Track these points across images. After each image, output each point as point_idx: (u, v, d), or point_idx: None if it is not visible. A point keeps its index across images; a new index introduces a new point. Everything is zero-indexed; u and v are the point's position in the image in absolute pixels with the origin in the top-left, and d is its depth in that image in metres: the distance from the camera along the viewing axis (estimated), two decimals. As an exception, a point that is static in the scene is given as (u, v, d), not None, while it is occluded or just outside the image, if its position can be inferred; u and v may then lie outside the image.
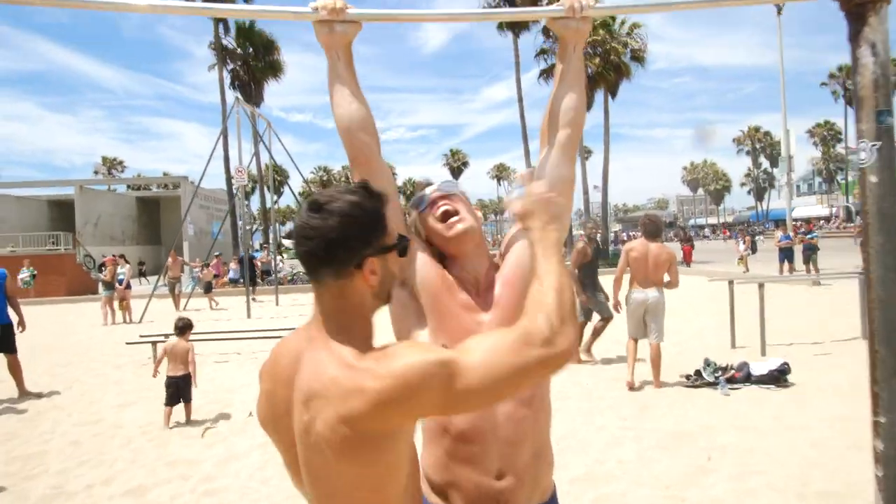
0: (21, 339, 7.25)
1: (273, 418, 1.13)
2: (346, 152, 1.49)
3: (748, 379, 5.84)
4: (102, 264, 14.87)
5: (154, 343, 8.56)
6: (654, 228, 6.18)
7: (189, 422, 5.48)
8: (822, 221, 50.50)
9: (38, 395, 6.79)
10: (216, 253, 22.72)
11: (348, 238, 1.02)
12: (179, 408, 5.52)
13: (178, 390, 5.51)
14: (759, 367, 5.91)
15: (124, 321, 13.86)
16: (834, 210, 58.09)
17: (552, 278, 1.11)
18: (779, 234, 17.48)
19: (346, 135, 1.49)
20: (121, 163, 67.43)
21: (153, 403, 6.16)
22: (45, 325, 13.78)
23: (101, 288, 14.30)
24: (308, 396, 1.01)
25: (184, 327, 5.79)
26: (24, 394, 6.80)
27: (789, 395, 5.48)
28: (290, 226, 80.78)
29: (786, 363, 5.88)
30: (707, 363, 6.07)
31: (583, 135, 1.87)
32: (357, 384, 0.96)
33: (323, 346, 1.04)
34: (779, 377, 5.77)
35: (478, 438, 1.35)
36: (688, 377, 6.09)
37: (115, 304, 14.04)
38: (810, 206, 60.69)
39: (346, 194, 1.05)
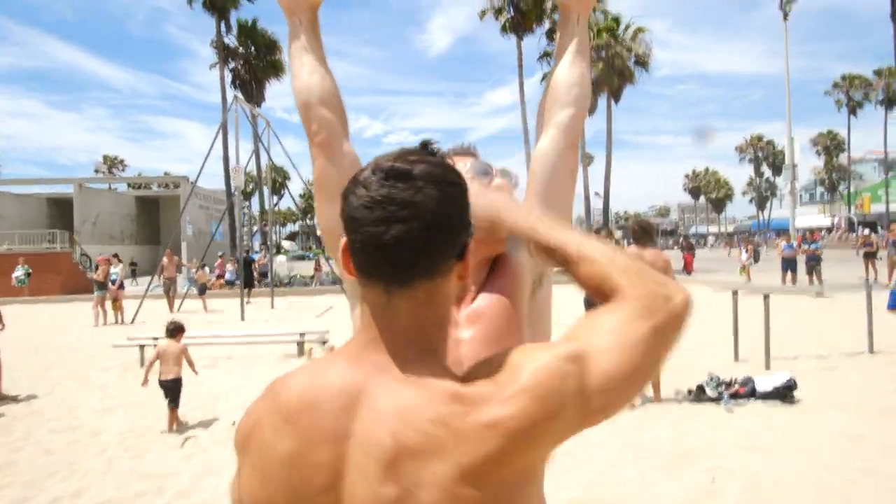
0: (8, 339, 7.05)
1: (296, 498, 0.74)
2: (305, 131, 1.27)
3: (753, 394, 5.61)
4: (98, 264, 14.66)
5: (142, 346, 8.37)
6: (643, 234, 5.82)
7: (171, 430, 5.27)
8: (823, 232, 50.31)
9: (15, 399, 6.55)
10: (220, 253, 22.52)
11: (453, 216, 0.74)
12: (160, 415, 5.31)
13: (168, 394, 5.37)
14: (765, 383, 5.68)
15: (116, 322, 13.64)
16: (836, 220, 57.86)
17: (597, 247, 0.85)
18: (782, 243, 17.25)
19: (304, 110, 1.25)
20: (121, 161, 67.36)
21: (135, 409, 5.95)
22: (36, 324, 13.59)
23: (94, 288, 14.09)
24: (395, 455, 0.69)
25: (174, 330, 5.67)
26: (1, 398, 6.57)
27: (796, 413, 5.26)
28: (290, 228, 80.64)
29: (792, 378, 5.66)
30: (710, 378, 5.84)
31: (584, 141, 1.52)
32: (481, 420, 0.68)
33: (402, 377, 0.73)
34: (785, 393, 5.55)
35: None
36: (689, 392, 5.86)
37: (108, 304, 13.83)
38: (812, 216, 60.45)
39: (424, 156, 0.76)
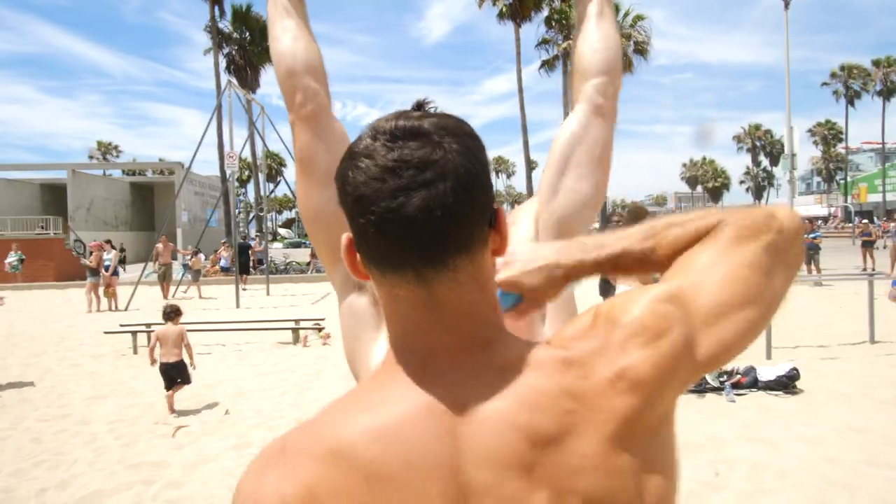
0: (1, 326, 6.92)
1: None
2: (287, 104, 1.12)
3: (755, 384, 5.53)
4: (91, 250, 14.47)
5: (134, 333, 8.25)
6: (633, 220, 5.76)
7: (171, 411, 5.31)
8: (819, 221, 50.41)
9: None
10: (223, 240, 22.27)
11: (480, 172, 0.61)
12: (151, 403, 5.21)
13: (173, 376, 5.39)
14: (767, 373, 5.60)
15: (109, 309, 13.50)
16: (832, 210, 57.91)
17: (661, 222, 0.73)
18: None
19: (287, 78, 1.11)
20: (115, 147, 66.72)
21: (125, 398, 5.84)
22: (29, 311, 13.44)
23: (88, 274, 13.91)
24: (533, 454, 0.57)
25: (171, 313, 5.68)
26: (-9, 385, 6.45)
27: (798, 403, 5.18)
28: (286, 215, 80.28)
29: (795, 369, 5.57)
30: (711, 366, 5.76)
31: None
32: (604, 376, 0.59)
33: (496, 368, 0.61)
34: (787, 383, 5.46)
35: None
36: (691, 381, 5.78)
37: (101, 290, 13.67)
38: (809, 206, 60.46)
39: (426, 112, 0.64)
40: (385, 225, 0.58)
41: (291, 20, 1.14)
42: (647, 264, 0.74)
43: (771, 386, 5.47)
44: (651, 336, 0.60)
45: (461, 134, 0.61)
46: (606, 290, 6.91)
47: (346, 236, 0.64)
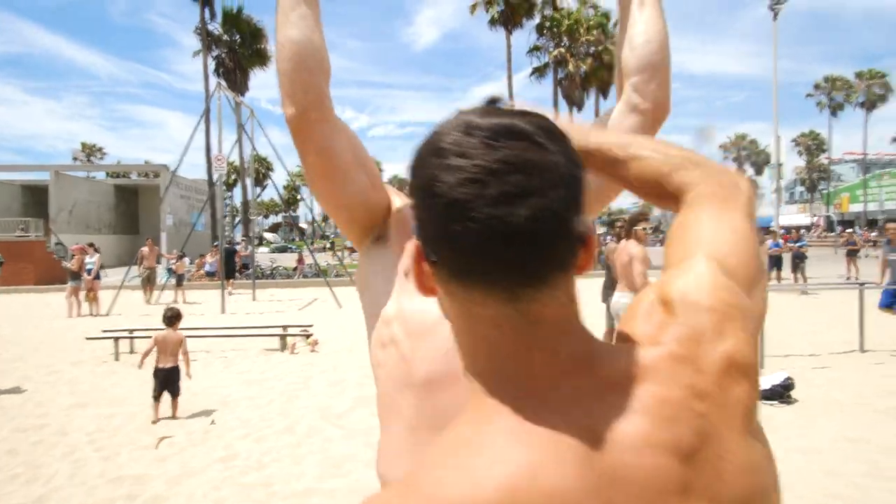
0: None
1: None
2: (290, 100, 0.97)
3: (749, 394, 5.50)
4: (73, 253, 14.18)
5: (116, 339, 8.05)
6: (629, 225, 5.83)
7: (174, 416, 5.22)
8: (802, 230, 51.01)
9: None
10: (215, 244, 21.96)
11: (582, 178, 0.55)
12: (133, 413, 5.04)
13: (167, 383, 5.27)
14: (761, 382, 5.56)
15: (91, 314, 13.22)
16: (815, 219, 58.72)
17: (646, 142, 0.78)
18: (769, 241, 17.32)
19: (299, 70, 0.97)
20: (100, 149, 65.87)
21: (106, 407, 5.65)
22: (6, 315, 13.13)
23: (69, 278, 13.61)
24: (684, 471, 0.51)
25: (172, 317, 5.58)
26: (-35, 392, 6.24)
27: (794, 413, 5.14)
28: (273, 219, 79.76)
29: (789, 378, 5.55)
30: (706, 376, 5.72)
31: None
32: (713, 367, 0.55)
33: (611, 384, 0.54)
34: (782, 393, 5.43)
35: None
36: (685, 390, 5.73)
37: (82, 294, 13.38)
38: (792, 215, 61.25)
39: (513, 109, 0.56)
40: (485, 234, 0.50)
41: (309, 10, 1.02)
42: (612, 171, 0.76)
43: (766, 395, 5.43)
44: (740, 316, 0.59)
45: (560, 137, 0.55)
46: (611, 287, 6.88)
47: (414, 244, 0.56)
